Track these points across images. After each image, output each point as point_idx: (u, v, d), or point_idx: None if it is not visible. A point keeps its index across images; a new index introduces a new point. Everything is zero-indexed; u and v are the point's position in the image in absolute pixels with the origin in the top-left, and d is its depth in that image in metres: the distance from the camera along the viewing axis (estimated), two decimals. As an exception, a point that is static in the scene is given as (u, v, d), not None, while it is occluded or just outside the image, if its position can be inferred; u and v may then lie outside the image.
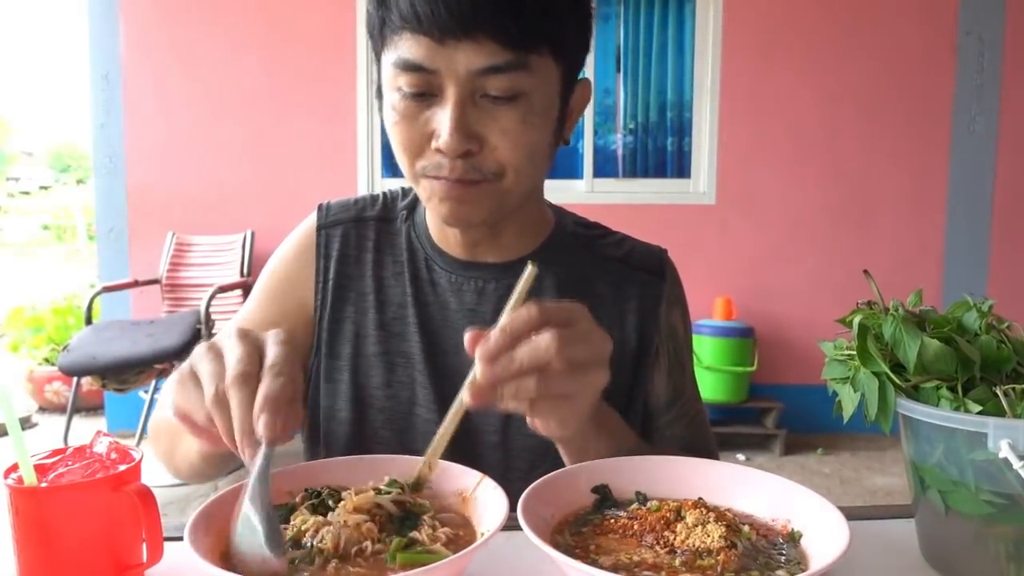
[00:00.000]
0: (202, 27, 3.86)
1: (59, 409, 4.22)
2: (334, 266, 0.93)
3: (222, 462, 0.82)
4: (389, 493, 0.63)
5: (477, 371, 0.59)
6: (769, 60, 3.85)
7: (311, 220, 0.97)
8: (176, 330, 3.22)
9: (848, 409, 0.64)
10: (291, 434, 0.61)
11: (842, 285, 3.71)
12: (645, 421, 0.93)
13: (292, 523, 0.62)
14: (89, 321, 3.49)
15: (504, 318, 0.61)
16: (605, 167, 4.05)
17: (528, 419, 0.66)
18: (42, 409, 4.40)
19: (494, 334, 0.59)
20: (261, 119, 3.88)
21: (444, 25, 0.71)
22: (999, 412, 0.58)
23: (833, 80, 3.85)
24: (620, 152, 4.10)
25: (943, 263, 3.93)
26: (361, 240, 0.94)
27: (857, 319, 0.65)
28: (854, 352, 0.64)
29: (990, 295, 0.66)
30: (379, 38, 0.78)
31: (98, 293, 3.59)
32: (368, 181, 3.90)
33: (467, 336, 0.60)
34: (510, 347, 0.59)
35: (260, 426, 0.58)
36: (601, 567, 0.53)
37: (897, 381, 0.62)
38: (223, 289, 3.42)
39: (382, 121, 0.83)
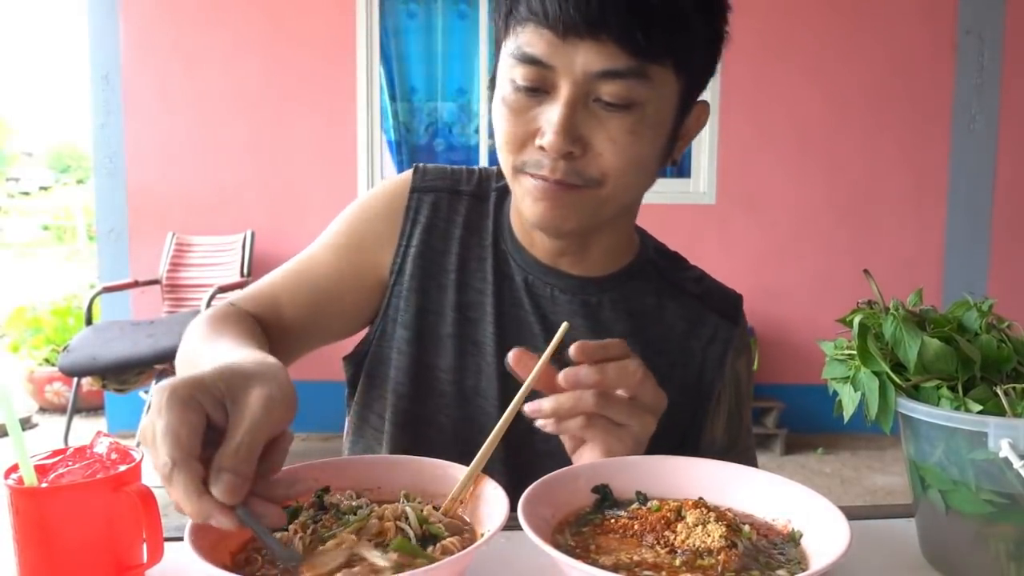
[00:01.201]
0: (202, 27, 3.86)
1: (59, 409, 4.22)
2: (420, 234, 0.90)
3: None
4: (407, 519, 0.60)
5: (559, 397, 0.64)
6: (769, 59, 3.85)
7: (405, 179, 0.93)
8: (176, 330, 3.21)
9: (848, 409, 0.64)
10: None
11: (842, 285, 3.71)
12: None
13: (292, 526, 0.62)
14: (89, 322, 3.49)
15: (534, 374, 0.66)
16: (605, 167, 4.05)
17: (568, 446, 0.68)
18: (42, 410, 4.40)
19: (588, 373, 0.65)
20: (261, 119, 3.88)
21: (570, 21, 0.69)
22: (999, 411, 0.58)
23: (833, 79, 3.85)
24: (620, 152, 4.10)
25: (943, 262, 3.93)
26: (452, 213, 0.91)
27: (857, 319, 0.65)
28: (854, 352, 0.64)
29: (990, 294, 0.66)
30: (503, 27, 0.77)
31: (98, 293, 3.59)
32: (368, 181, 3.90)
33: (512, 355, 0.63)
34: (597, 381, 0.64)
35: (215, 491, 0.51)
36: (602, 567, 0.53)
37: (897, 381, 0.62)
38: (223, 289, 3.41)
39: (489, 115, 0.81)
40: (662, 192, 3.97)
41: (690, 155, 3.99)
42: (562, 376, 0.66)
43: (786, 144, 3.90)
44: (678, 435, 0.89)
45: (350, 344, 0.95)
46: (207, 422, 0.53)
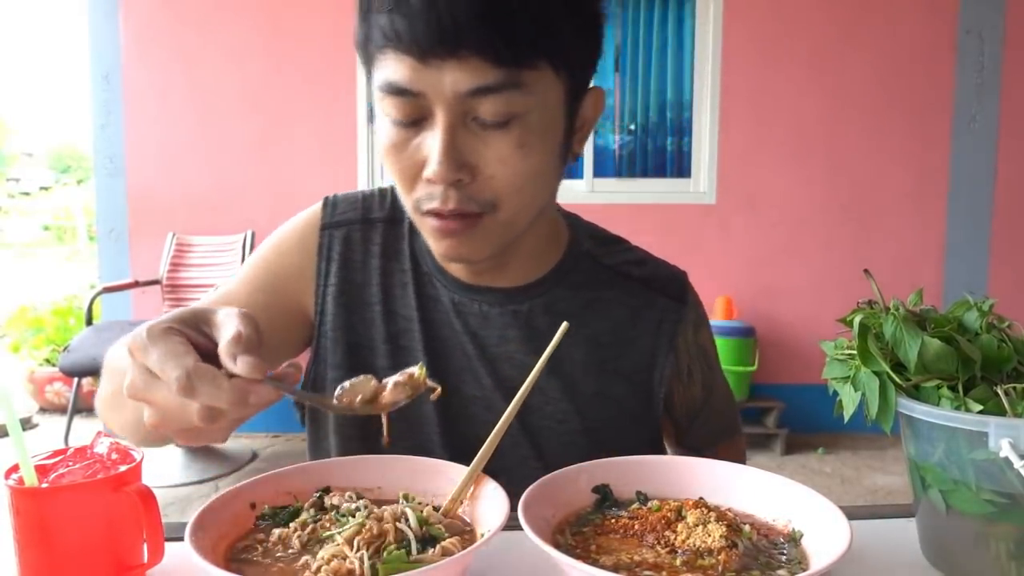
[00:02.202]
0: (202, 27, 3.86)
1: (60, 410, 4.22)
2: (336, 271, 0.87)
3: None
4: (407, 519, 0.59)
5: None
6: (769, 59, 3.85)
7: (314, 215, 0.90)
8: (177, 330, 3.21)
9: (849, 408, 0.64)
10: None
11: (843, 284, 3.71)
12: (676, 424, 0.94)
13: (292, 526, 0.62)
14: (90, 322, 3.49)
15: (534, 374, 0.64)
16: (605, 167, 4.05)
17: None
18: (43, 410, 4.39)
19: None
20: (261, 119, 3.88)
21: (425, 42, 0.65)
22: (1000, 411, 0.58)
23: (833, 79, 3.85)
24: (620, 152, 4.10)
25: (943, 262, 3.93)
26: (367, 243, 0.88)
27: (858, 318, 0.65)
28: (855, 351, 0.64)
29: (991, 294, 0.66)
30: (365, 59, 0.73)
31: (99, 294, 3.59)
32: (368, 181, 3.90)
33: None
34: None
35: (243, 370, 0.50)
36: (602, 567, 0.53)
37: (898, 380, 0.62)
38: (223, 289, 3.41)
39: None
40: (662, 192, 3.97)
41: (690, 155, 3.99)
42: None
43: (786, 144, 3.90)
44: (633, 424, 0.89)
45: None
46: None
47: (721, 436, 0.99)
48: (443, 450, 0.83)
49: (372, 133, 0.78)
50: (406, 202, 0.76)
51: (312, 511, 0.63)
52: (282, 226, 0.93)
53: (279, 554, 0.59)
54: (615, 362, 0.88)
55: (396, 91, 0.68)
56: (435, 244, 0.76)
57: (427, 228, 0.75)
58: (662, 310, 0.90)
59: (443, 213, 0.72)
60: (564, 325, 0.67)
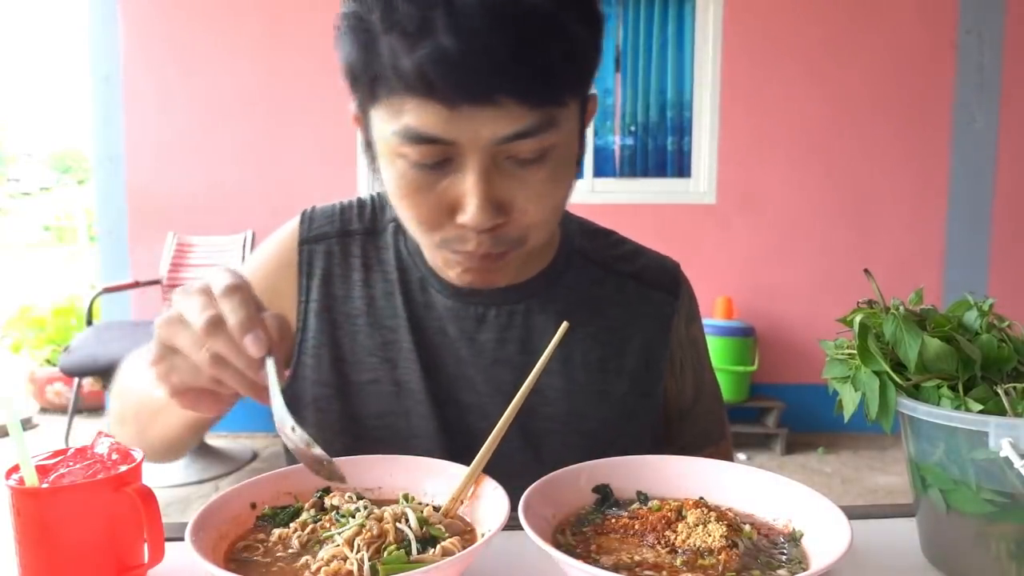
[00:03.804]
0: (202, 28, 3.86)
1: (60, 410, 4.22)
2: (318, 287, 0.85)
3: (204, 428, 0.79)
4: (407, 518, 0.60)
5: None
6: (769, 59, 3.85)
7: (292, 231, 0.88)
8: (177, 331, 3.22)
9: (849, 408, 0.64)
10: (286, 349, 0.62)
11: (843, 284, 3.70)
12: (666, 423, 0.93)
13: (292, 526, 0.62)
14: (90, 322, 3.49)
15: (534, 374, 0.64)
16: (605, 167, 4.05)
17: None
18: (43, 410, 4.39)
19: None
20: (261, 120, 3.88)
21: (461, 90, 0.60)
22: (1000, 411, 0.58)
23: (833, 79, 3.85)
24: (620, 152, 4.10)
25: (944, 262, 3.93)
26: (347, 256, 0.86)
27: (858, 318, 0.65)
28: (855, 351, 0.64)
29: (991, 294, 0.66)
30: (366, 91, 0.67)
31: (99, 294, 3.59)
32: (368, 181, 3.90)
33: None
34: None
35: (251, 348, 0.57)
36: (602, 567, 0.53)
37: (898, 380, 0.62)
38: (224, 290, 3.41)
39: (373, 183, 0.75)
40: (662, 192, 3.97)
41: (690, 155, 3.99)
42: None
43: (786, 144, 3.90)
44: (633, 423, 0.88)
45: None
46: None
47: (708, 439, 0.96)
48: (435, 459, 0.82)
49: (373, 174, 0.74)
50: (426, 241, 0.73)
51: (312, 511, 0.64)
52: (260, 245, 0.91)
53: (279, 554, 0.59)
54: (615, 360, 0.87)
55: (423, 140, 0.64)
56: (459, 276, 0.75)
57: (449, 261, 0.73)
58: (656, 304, 0.89)
59: (475, 254, 0.70)
60: (564, 325, 0.67)
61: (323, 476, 0.62)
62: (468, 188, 0.65)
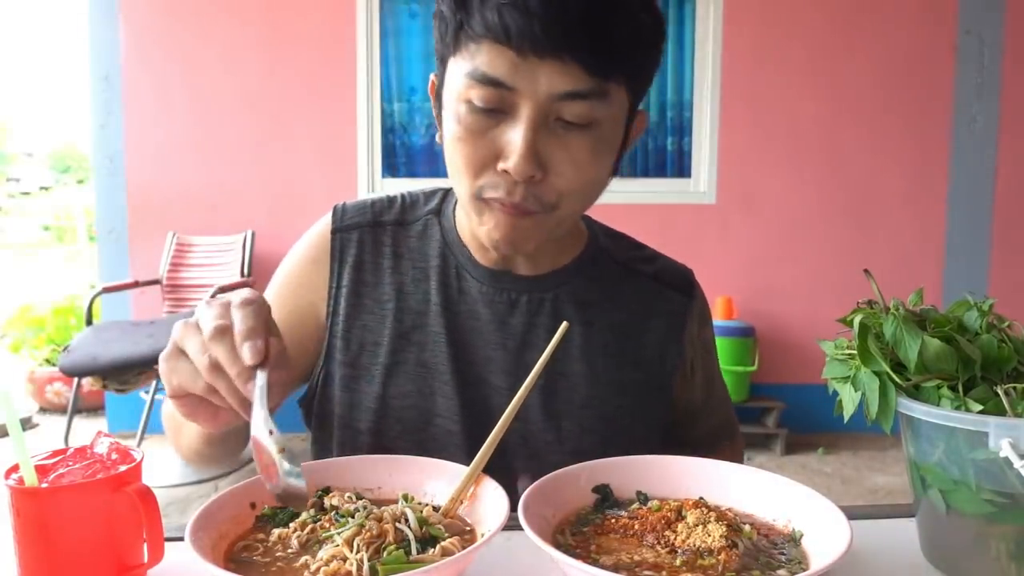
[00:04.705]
0: (202, 27, 3.86)
1: (60, 410, 4.22)
2: (349, 272, 0.90)
3: (225, 444, 0.81)
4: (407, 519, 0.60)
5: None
6: (769, 59, 3.85)
7: (325, 222, 0.94)
8: (177, 330, 3.21)
9: (849, 408, 0.64)
10: (284, 367, 0.62)
11: (843, 284, 3.70)
12: (677, 423, 0.97)
13: (292, 526, 0.62)
14: (90, 322, 3.49)
15: (534, 374, 0.66)
16: (605, 167, 4.05)
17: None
18: (43, 410, 4.40)
19: None
20: (261, 119, 3.88)
21: (533, 41, 0.67)
22: (1000, 411, 0.58)
23: (833, 79, 3.85)
24: (620, 152, 4.10)
25: (943, 262, 3.93)
26: (378, 246, 0.92)
27: (858, 318, 0.65)
28: (855, 351, 0.64)
29: (991, 294, 0.66)
30: (451, 42, 0.74)
31: (98, 294, 3.59)
32: (368, 181, 3.90)
33: None
34: None
35: (246, 354, 0.58)
36: (602, 567, 0.53)
37: (898, 380, 0.62)
38: (223, 289, 3.41)
39: (438, 137, 0.80)
40: (662, 192, 3.97)
41: (690, 155, 3.99)
42: None
43: (786, 144, 3.90)
44: (647, 412, 0.92)
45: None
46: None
47: (721, 438, 1.03)
48: (462, 439, 0.86)
49: (436, 118, 0.81)
50: (466, 188, 0.77)
51: (312, 511, 0.63)
52: (297, 242, 0.96)
53: (279, 554, 0.59)
54: (633, 352, 0.92)
55: (489, 81, 0.70)
56: (490, 232, 0.78)
57: (482, 212, 0.77)
58: (671, 303, 0.94)
59: (505, 203, 0.75)
60: (564, 325, 0.69)
61: (277, 491, 0.61)
62: (517, 136, 0.71)
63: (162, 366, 0.63)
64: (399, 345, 0.88)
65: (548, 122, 0.72)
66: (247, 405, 0.60)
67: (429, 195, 0.95)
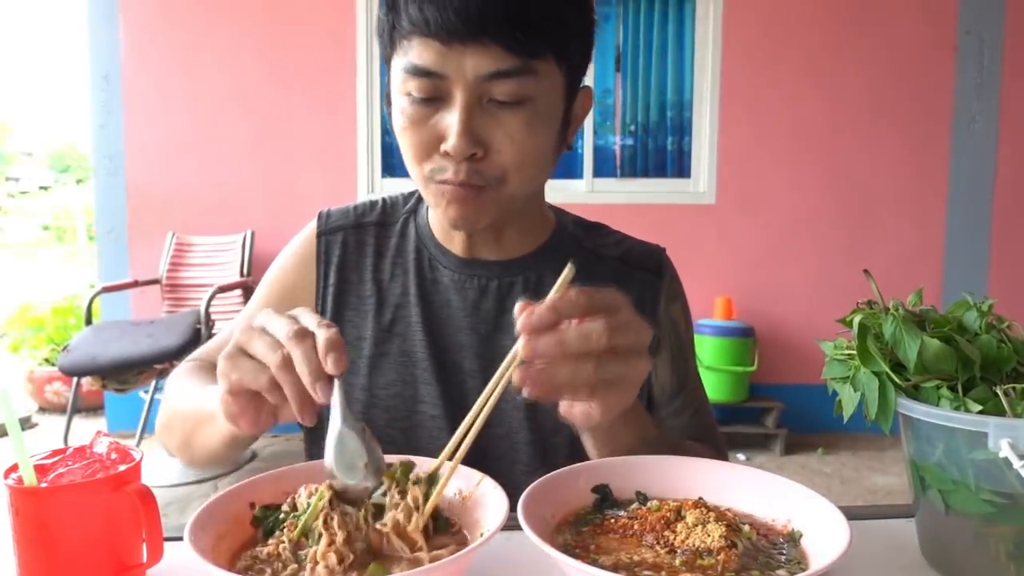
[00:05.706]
0: (202, 27, 3.86)
1: (59, 409, 4.22)
2: (335, 272, 0.95)
3: (242, 446, 0.83)
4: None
5: (519, 345, 0.59)
6: (769, 60, 3.85)
7: (311, 227, 0.98)
8: (176, 330, 3.22)
9: (848, 409, 0.64)
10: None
11: (842, 285, 3.71)
12: (650, 412, 0.94)
13: (271, 542, 0.61)
14: (89, 321, 3.49)
15: (549, 299, 0.61)
16: (605, 167, 4.05)
17: (562, 407, 0.65)
18: (42, 409, 4.40)
19: (540, 310, 0.59)
20: (261, 119, 3.88)
21: (452, 29, 0.73)
22: (999, 411, 0.58)
23: (833, 79, 3.85)
24: (620, 152, 4.10)
25: (943, 262, 3.93)
26: (360, 246, 0.96)
27: (857, 319, 0.65)
28: (854, 352, 0.64)
29: (990, 294, 0.66)
30: (388, 43, 0.80)
31: (98, 293, 3.59)
32: (368, 181, 3.90)
33: (517, 306, 0.60)
34: (554, 326, 0.59)
35: (330, 364, 0.60)
36: (601, 567, 0.53)
37: (897, 381, 0.62)
38: (223, 289, 3.41)
39: (390, 126, 0.85)
40: (662, 192, 3.97)
41: (690, 155, 4.00)
42: (549, 345, 0.59)
43: (786, 144, 3.90)
44: None
45: None
46: None
47: (698, 440, 0.95)
48: (444, 423, 0.88)
49: (388, 116, 0.86)
50: (418, 174, 0.82)
51: (290, 510, 0.63)
52: (284, 247, 1.01)
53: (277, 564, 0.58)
54: None
55: (420, 72, 0.76)
56: (444, 210, 0.82)
57: (436, 195, 0.82)
58: (640, 283, 0.95)
59: (453, 183, 0.79)
60: (569, 266, 0.63)
61: (358, 488, 0.62)
62: (453, 119, 0.76)
63: (222, 364, 0.64)
64: (382, 337, 0.93)
65: (482, 103, 0.77)
66: (308, 405, 0.61)
67: (408, 197, 1.00)
